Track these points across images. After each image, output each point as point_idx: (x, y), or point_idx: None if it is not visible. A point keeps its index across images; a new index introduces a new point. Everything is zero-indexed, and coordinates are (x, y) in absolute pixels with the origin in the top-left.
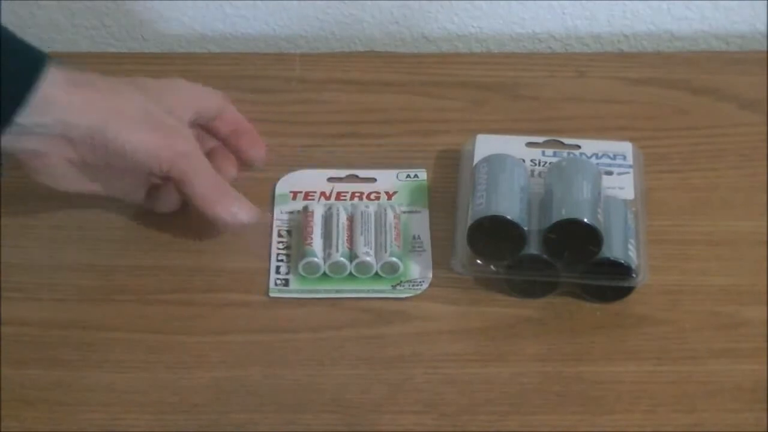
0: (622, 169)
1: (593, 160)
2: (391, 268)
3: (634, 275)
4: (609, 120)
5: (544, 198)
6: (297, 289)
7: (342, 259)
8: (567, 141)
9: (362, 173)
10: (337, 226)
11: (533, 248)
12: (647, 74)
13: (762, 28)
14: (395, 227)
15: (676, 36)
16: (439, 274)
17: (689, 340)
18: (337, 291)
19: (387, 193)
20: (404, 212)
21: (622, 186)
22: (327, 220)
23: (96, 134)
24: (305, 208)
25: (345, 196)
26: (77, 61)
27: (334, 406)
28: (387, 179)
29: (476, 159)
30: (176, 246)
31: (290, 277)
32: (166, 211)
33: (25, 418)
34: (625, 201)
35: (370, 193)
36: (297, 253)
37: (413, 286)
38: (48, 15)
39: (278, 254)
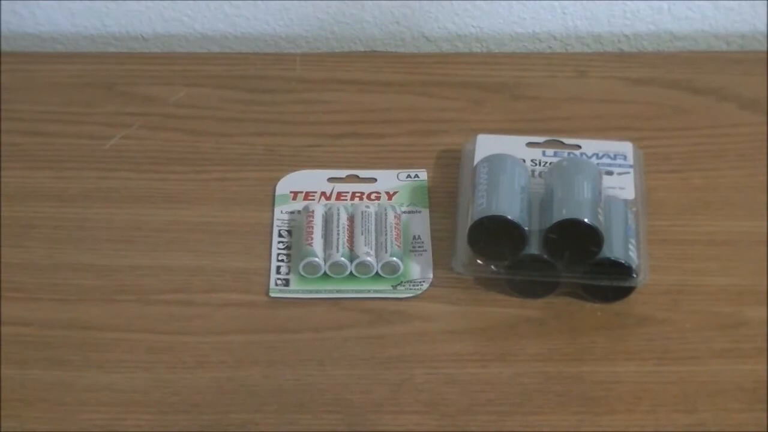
0: (622, 169)
1: (593, 160)
2: (392, 269)
3: (634, 275)
4: (609, 120)
5: (545, 198)
6: (297, 289)
7: (342, 259)
8: (567, 141)
9: (362, 173)
10: (338, 226)
11: (534, 248)
12: (647, 74)
13: (762, 28)
14: (396, 227)
15: (677, 36)
16: (440, 275)
17: (690, 340)
18: (338, 291)
19: (387, 193)
20: (404, 212)
21: (622, 186)
22: (327, 220)
23: None
24: (306, 208)
25: (345, 196)
26: (77, 61)
27: (335, 406)
28: (387, 179)
29: (476, 159)
30: (176, 246)
31: (291, 277)
32: None
33: (25, 418)
34: (625, 201)
35: (371, 194)
36: (297, 254)
37: (413, 286)
38: (48, 15)
39: (279, 254)
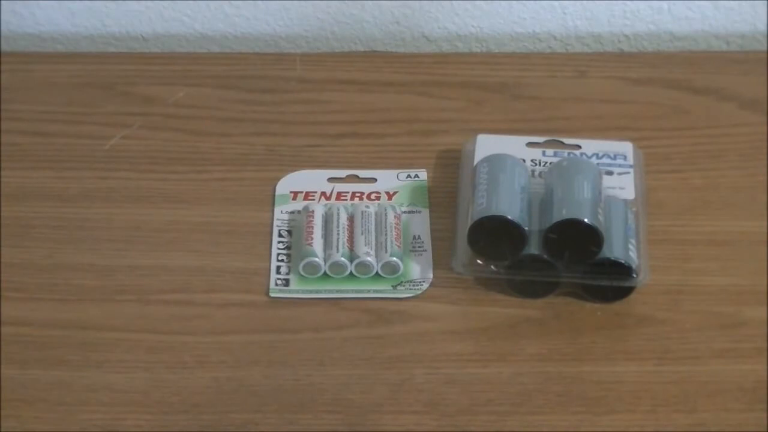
0: (622, 169)
1: (593, 160)
2: (392, 269)
3: (634, 275)
4: (609, 120)
5: (545, 198)
6: (297, 289)
7: (342, 259)
8: (567, 141)
9: (362, 173)
10: (338, 226)
11: (534, 248)
12: (647, 74)
13: (762, 28)
14: (396, 227)
15: (677, 36)
16: (440, 275)
17: (690, 340)
18: (338, 291)
19: (387, 193)
20: (404, 212)
21: (622, 186)
22: (327, 220)
23: None
24: (306, 208)
25: (345, 196)
26: (77, 61)
27: (335, 406)
28: (387, 179)
29: (476, 159)
30: (176, 246)
31: (291, 277)
32: None
33: (25, 418)
34: (625, 201)
35: (371, 194)
36: (297, 254)
37: (413, 286)
38: (48, 15)
39: (279, 254)
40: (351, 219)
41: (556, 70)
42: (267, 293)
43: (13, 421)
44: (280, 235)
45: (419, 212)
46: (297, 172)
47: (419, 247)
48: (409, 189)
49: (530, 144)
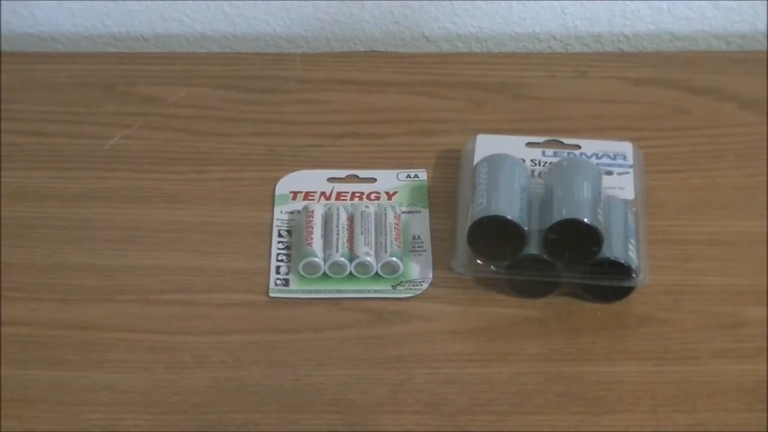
0: (622, 169)
1: (593, 160)
2: (391, 269)
3: (634, 275)
4: (609, 120)
5: (545, 198)
6: (297, 289)
7: (342, 259)
8: (567, 141)
9: (362, 173)
10: (338, 226)
11: (534, 248)
12: (647, 74)
13: (762, 28)
14: (395, 227)
15: (676, 36)
16: (439, 275)
17: (690, 340)
18: (338, 291)
19: (387, 193)
20: (404, 212)
21: (622, 186)
22: (327, 220)
23: None
24: (305, 208)
25: (345, 196)
26: (77, 61)
27: (335, 406)
28: (387, 179)
29: (476, 159)
30: (176, 246)
31: (290, 277)
32: None
33: (25, 418)
34: (625, 201)
35: (371, 194)
36: (297, 254)
37: (413, 286)
38: (48, 15)
39: (278, 254)
40: (351, 219)
41: (556, 70)
42: (267, 293)
43: (13, 421)
44: (279, 235)
45: (419, 212)
46: (297, 172)
47: (419, 247)
48: (408, 189)
49: (530, 144)
